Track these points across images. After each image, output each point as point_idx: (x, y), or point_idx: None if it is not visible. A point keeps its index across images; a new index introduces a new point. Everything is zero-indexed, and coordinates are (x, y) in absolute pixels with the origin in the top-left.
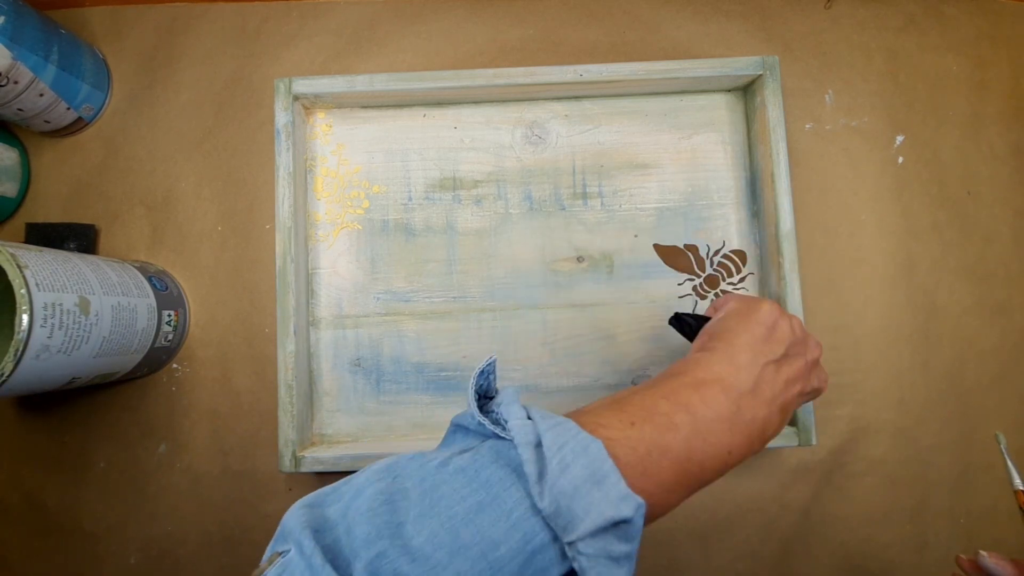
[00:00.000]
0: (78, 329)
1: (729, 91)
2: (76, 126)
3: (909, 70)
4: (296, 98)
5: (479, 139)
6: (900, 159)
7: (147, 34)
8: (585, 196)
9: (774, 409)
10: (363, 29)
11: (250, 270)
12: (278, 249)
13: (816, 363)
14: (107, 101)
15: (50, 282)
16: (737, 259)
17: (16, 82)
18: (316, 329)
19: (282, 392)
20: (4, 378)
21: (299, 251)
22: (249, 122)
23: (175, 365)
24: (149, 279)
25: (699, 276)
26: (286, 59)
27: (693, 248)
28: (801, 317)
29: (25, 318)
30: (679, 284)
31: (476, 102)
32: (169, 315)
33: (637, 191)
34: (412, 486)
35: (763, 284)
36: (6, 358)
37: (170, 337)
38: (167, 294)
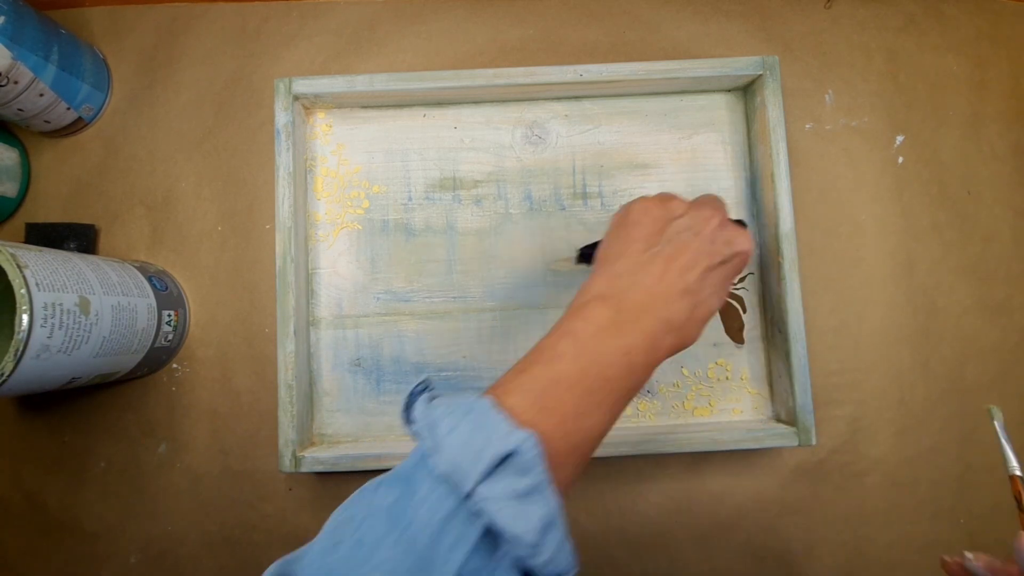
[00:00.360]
0: (78, 329)
1: (729, 91)
2: (76, 126)
3: (909, 70)
4: (296, 98)
5: (479, 139)
6: (900, 159)
7: (147, 34)
8: (585, 196)
9: (673, 297)
10: (363, 29)
11: (250, 270)
12: (278, 249)
13: (718, 229)
14: (107, 101)
15: (50, 282)
16: None
17: (16, 82)
18: (316, 329)
19: (282, 392)
20: (4, 378)
21: (299, 251)
22: (249, 122)
23: (175, 365)
24: (149, 279)
25: None
26: (286, 59)
27: None
28: (801, 317)
29: (25, 318)
30: None
31: (476, 102)
32: (169, 315)
33: (637, 191)
34: (356, 513)
35: (763, 284)
36: (6, 358)
37: (170, 337)
38: (167, 294)
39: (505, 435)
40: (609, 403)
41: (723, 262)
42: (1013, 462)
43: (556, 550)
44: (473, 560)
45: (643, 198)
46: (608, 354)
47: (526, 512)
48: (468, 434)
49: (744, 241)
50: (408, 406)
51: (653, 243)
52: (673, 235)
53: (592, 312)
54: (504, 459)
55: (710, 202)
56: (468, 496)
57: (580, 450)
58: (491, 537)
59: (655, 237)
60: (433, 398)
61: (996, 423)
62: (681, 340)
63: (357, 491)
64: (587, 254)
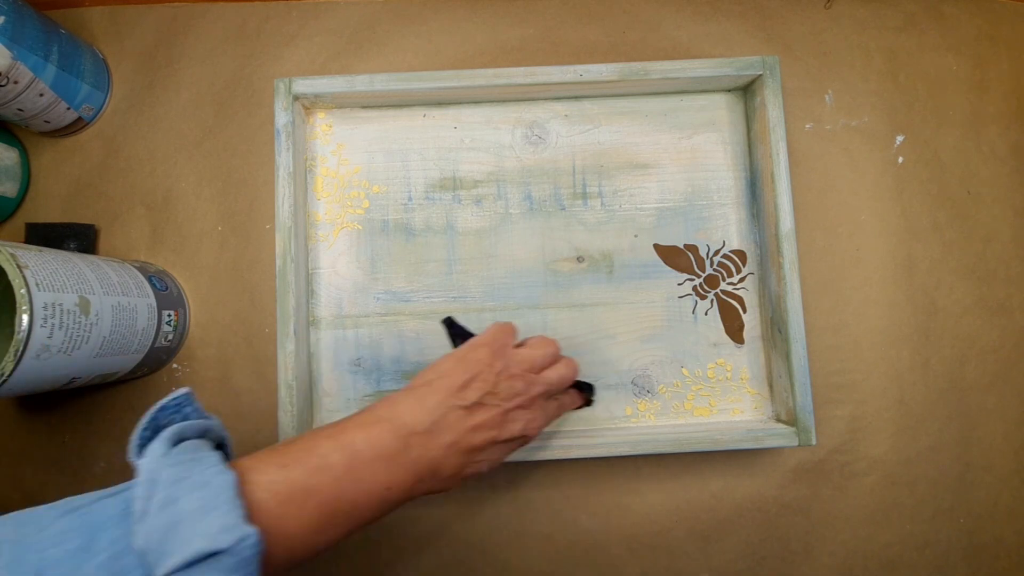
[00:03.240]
0: (78, 329)
1: (729, 91)
2: (76, 126)
3: (909, 70)
4: (296, 98)
5: (479, 139)
6: (900, 159)
7: (147, 34)
8: (585, 196)
9: (453, 451)
10: (363, 29)
11: (250, 270)
12: (278, 249)
13: (516, 410)
14: (107, 101)
15: (50, 282)
16: (737, 259)
17: (16, 82)
18: (316, 329)
19: (282, 392)
20: (4, 378)
21: (299, 251)
22: (249, 122)
23: (175, 365)
24: (149, 279)
25: (699, 276)
26: (286, 59)
27: (693, 248)
28: (801, 317)
29: (25, 318)
30: (679, 284)
31: (476, 102)
32: (169, 315)
33: (637, 191)
34: (45, 538)
35: (763, 284)
36: (6, 358)
37: (170, 337)
38: (167, 294)
39: (220, 530)
40: (348, 527)
41: (508, 440)
42: None
43: None
44: None
45: (491, 350)
46: (371, 483)
47: None
48: (188, 514)
49: (533, 428)
50: (143, 440)
51: (468, 396)
52: (486, 399)
53: (379, 436)
54: (213, 555)
55: (534, 384)
56: None
57: (296, 560)
58: None
59: (473, 392)
60: (179, 440)
61: None
62: (439, 488)
63: (33, 509)
64: (452, 328)
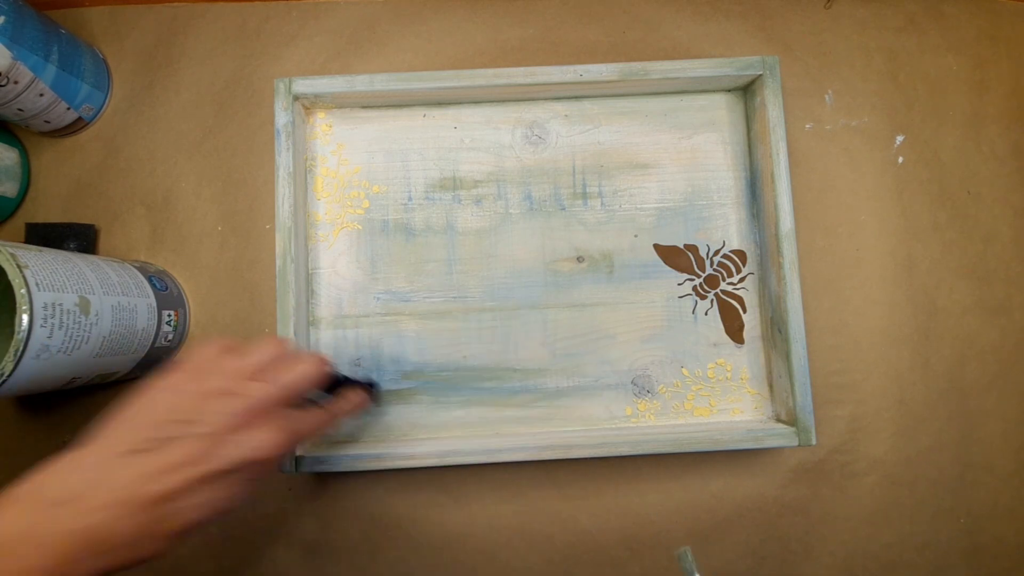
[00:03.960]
0: (78, 329)
1: (729, 91)
2: (76, 126)
3: (909, 70)
4: (296, 98)
5: (479, 139)
6: (900, 159)
7: (147, 34)
8: (585, 196)
9: (124, 511)
10: (363, 29)
11: (250, 270)
12: (278, 249)
13: (233, 432)
14: (107, 101)
15: (50, 282)
16: (737, 259)
17: (16, 82)
18: (316, 329)
19: None
20: (4, 378)
21: (299, 251)
22: (249, 122)
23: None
24: (149, 279)
25: (699, 276)
26: (286, 59)
27: (693, 248)
28: (801, 317)
29: (25, 318)
30: (679, 284)
31: (476, 102)
32: (169, 315)
33: (637, 191)
34: None
35: (763, 284)
36: (6, 358)
37: (170, 337)
38: (167, 294)
39: None
40: None
41: (229, 471)
42: None
43: None
44: None
45: (191, 368)
46: (21, 571)
47: None
48: None
49: (269, 446)
50: None
51: (139, 436)
52: (174, 430)
53: (16, 515)
54: None
55: (248, 390)
56: None
57: None
58: None
59: (145, 430)
60: None
61: (686, 567)
62: (133, 557)
63: None
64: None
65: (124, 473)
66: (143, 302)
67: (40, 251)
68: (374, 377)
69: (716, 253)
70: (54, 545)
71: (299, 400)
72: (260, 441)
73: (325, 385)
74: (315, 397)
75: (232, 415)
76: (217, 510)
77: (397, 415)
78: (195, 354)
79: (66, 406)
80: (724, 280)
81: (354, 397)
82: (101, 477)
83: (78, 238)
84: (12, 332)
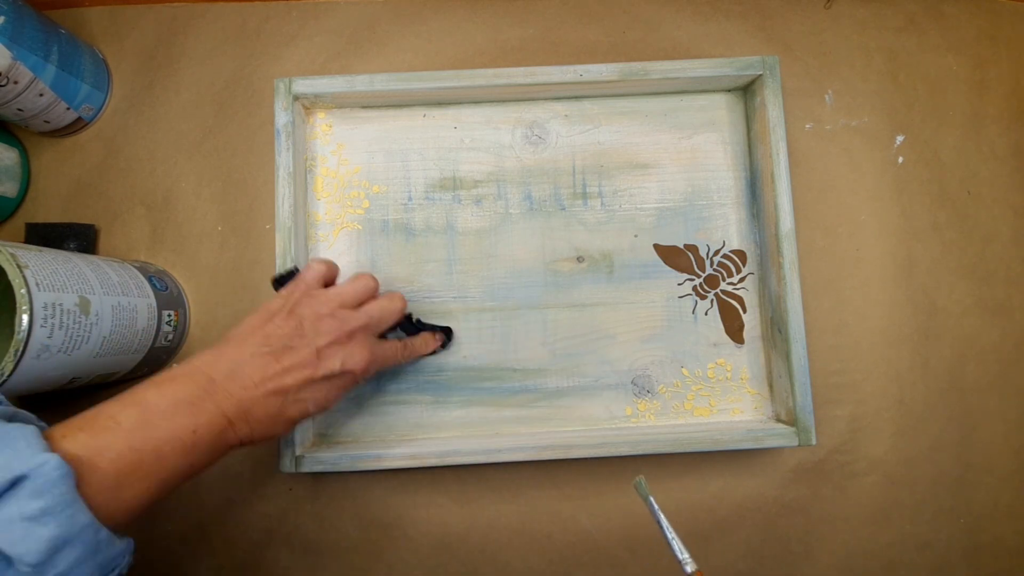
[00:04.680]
0: (78, 329)
1: (729, 91)
2: (76, 126)
3: (909, 70)
4: (296, 98)
5: (479, 139)
6: (900, 159)
7: (147, 34)
8: (585, 196)
9: (263, 393)
10: (363, 29)
11: (250, 270)
12: (278, 249)
13: (330, 347)
14: (107, 101)
15: (50, 282)
16: (737, 259)
17: (16, 82)
18: None
19: None
20: (4, 378)
21: (299, 251)
22: (249, 122)
23: (175, 365)
24: (149, 279)
25: (699, 276)
26: (286, 59)
27: (693, 248)
28: (801, 317)
29: (25, 318)
30: (679, 284)
31: (476, 102)
32: (169, 315)
33: (637, 191)
34: None
35: (763, 284)
36: (6, 358)
37: (170, 337)
38: (167, 294)
39: (24, 458)
40: (159, 476)
41: (328, 377)
42: (684, 555)
43: (68, 569)
44: None
45: (288, 297)
46: (172, 429)
47: (32, 534)
48: None
49: (355, 363)
50: None
51: (271, 341)
52: (293, 341)
53: (174, 386)
54: (16, 481)
55: (343, 316)
56: None
57: (119, 519)
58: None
59: (275, 337)
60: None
61: (647, 496)
62: (262, 432)
63: None
64: (283, 282)
65: (265, 367)
66: (143, 302)
67: (40, 251)
68: (447, 325)
69: (716, 253)
70: (211, 409)
71: (383, 331)
72: (353, 357)
73: (405, 325)
74: (396, 336)
75: (332, 335)
76: (319, 406)
77: (397, 415)
78: (300, 282)
79: (66, 406)
80: (724, 280)
81: (429, 338)
82: (246, 367)
83: (78, 238)
84: (12, 332)
